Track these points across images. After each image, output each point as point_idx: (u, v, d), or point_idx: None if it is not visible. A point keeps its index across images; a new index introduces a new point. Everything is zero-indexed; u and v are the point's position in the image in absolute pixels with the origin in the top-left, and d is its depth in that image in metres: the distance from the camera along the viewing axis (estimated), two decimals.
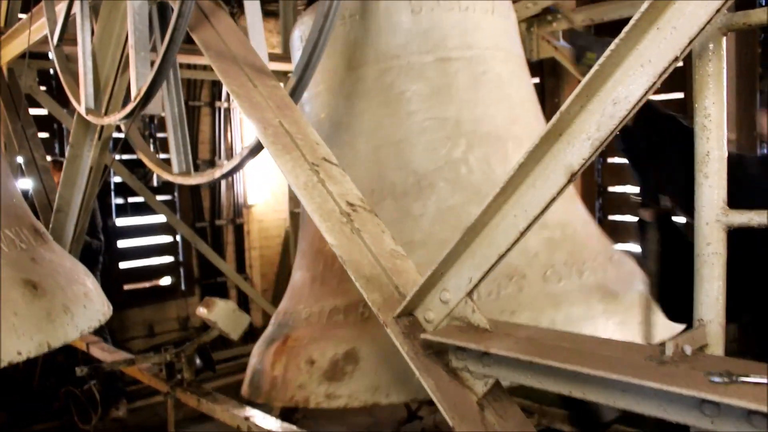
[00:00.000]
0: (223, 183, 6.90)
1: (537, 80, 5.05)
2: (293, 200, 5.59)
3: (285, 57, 4.43)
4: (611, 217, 4.85)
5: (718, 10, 1.16)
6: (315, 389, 2.37)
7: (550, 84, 4.89)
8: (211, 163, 6.74)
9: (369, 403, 2.24)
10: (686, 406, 1.23)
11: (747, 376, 1.19)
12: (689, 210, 1.53)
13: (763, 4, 3.91)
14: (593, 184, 4.86)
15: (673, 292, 1.73)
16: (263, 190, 7.06)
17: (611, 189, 4.85)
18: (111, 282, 5.89)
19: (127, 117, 2.84)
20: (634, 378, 1.23)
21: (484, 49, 2.66)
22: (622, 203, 4.82)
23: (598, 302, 2.33)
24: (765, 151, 4.05)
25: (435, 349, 1.65)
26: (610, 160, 4.86)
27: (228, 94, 6.43)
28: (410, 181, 2.51)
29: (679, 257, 1.76)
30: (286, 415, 3.99)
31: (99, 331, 4.82)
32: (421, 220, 2.46)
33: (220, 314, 3.06)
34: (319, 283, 2.71)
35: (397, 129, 2.57)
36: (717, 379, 1.19)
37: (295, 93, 2.40)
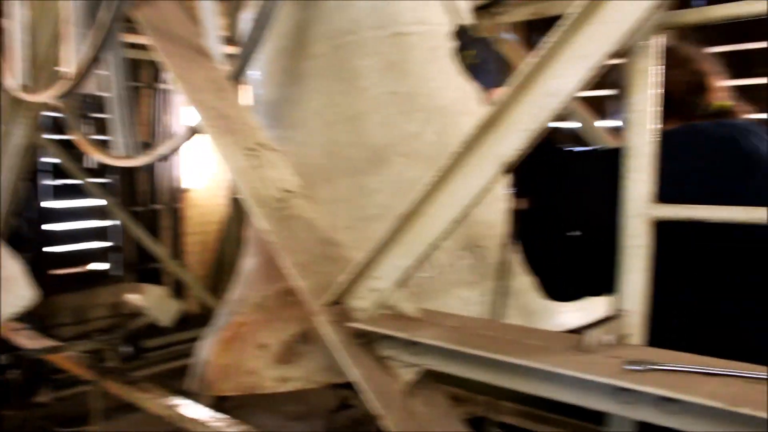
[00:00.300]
0: (161, 167, 6.75)
1: None
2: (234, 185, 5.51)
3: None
4: None
5: (654, 7, 1.19)
6: (266, 374, 2.32)
7: None
8: (149, 146, 6.56)
9: (322, 383, 2.22)
10: (604, 393, 1.27)
11: (660, 364, 1.23)
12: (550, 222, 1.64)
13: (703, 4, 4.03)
14: None
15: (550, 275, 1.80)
16: (203, 174, 6.94)
17: None
18: (39, 267, 5.71)
19: (63, 95, 2.76)
20: (554, 366, 1.26)
21: (437, 25, 2.64)
22: None
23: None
24: None
25: (364, 337, 1.66)
26: None
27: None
28: (365, 157, 2.50)
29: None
30: (218, 404, 3.93)
31: (27, 317, 4.68)
32: (377, 195, 2.45)
33: (150, 300, 3.01)
34: (271, 266, 2.65)
35: (350, 105, 2.53)
36: (633, 367, 1.23)
37: (239, 76, 2.36)
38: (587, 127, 3.85)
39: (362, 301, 1.67)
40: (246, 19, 2.80)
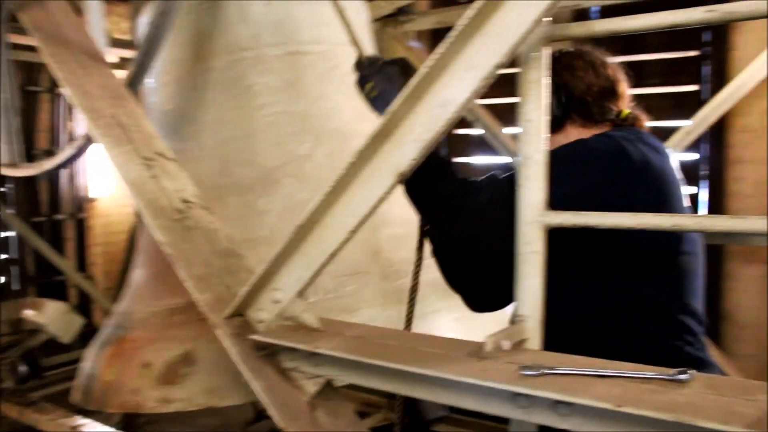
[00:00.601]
0: (64, 175, 6.47)
1: None
2: None
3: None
4: None
5: (538, 22, 1.22)
6: (149, 394, 2.26)
7: None
8: (49, 153, 6.30)
9: (204, 406, 2.17)
10: (502, 399, 1.28)
11: (555, 368, 1.26)
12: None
13: (600, 16, 4.18)
14: None
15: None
16: (109, 183, 6.70)
17: None
18: None
19: None
20: (453, 374, 1.27)
21: (335, 45, 2.63)
22: None
23: (437, 299, 2.38)
24: None
25: (266, 350, 1.63)
26: (456, 159, 5.01)
27: None
28: (256, 177, 2.46)
29: None
30: (129, 420, 3.81)
31: None
32: (266, 216, 2.42)
33: (50, 316, 2.88)
34: (160, 281, 2.59)
35: (244, 123, 2.50)
36: (528, 372, 1.25)
37: (134, 82, 2.29)
38: (493, 135, 3.93)
39: (263, 312, 1.64)
40: (143, 23, 2.72)
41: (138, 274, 2.80)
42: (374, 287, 2.37)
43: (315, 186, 2.40)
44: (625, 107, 1.86)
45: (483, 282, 1.58)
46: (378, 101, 1.89)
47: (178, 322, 2.37)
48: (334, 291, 2.31)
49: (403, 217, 2.53)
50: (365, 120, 2.64)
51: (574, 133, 1.83)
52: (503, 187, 1.57)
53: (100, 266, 6.76)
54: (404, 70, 1.85)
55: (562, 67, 1.79)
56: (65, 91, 2.19)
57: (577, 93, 1.79)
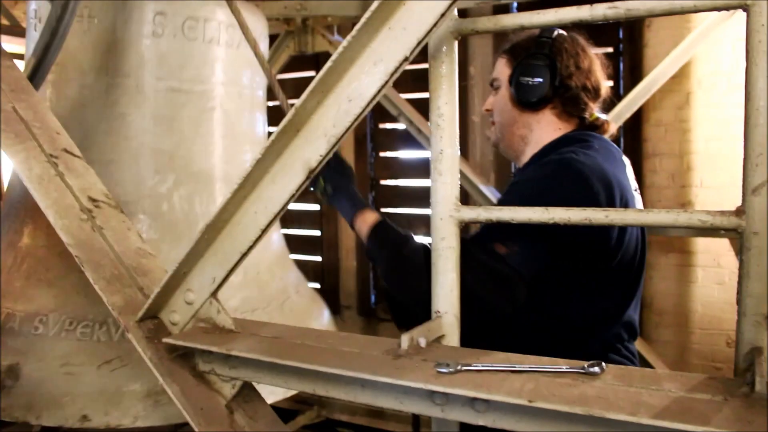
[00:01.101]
0: None
1: (312, 73, 5.06)
2: None
3: None
4: (384, 209, 5.01)
5: (442, 15, 1.20)
6: None
7: None
8: None
9: (21, 420, 2.16)
10: (419, 397, 1.27)
11: (471, 364, 1.25)
12: None
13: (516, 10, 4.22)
14: (366, 177, 4.98)
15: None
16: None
17: (384, 182, 5.00)
18: None
19: None
20: (367, 373, 1.25)
21: (219, 84, 2.61)
22: (394, 196, 4.99)
23: None
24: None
25: (181, 352, 1.57)
26: (382, 154, 5.00)
27: None
28: None
29: None
30: None
31: None
32: None
33: None
34: (7, 279, 2.51)
35: (110, 149, 2.43)
36: (444, 369, 1.24)
37: (35, 76, 2.17)
38: (417, 129, 3.94)
39: (177, 314, 1.59)
40: (30, 10, 2.60)
41: None
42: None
43: (166, 227, 2.43)
44: (595, 111, 1.84)
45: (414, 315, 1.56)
46: (337, 196, 1.89)
47: (14, 331, 2.32)
48: None
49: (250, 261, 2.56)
50: (232, 163, 2.68)
51: (546, 121, 1.81)
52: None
53: None
54: (337, 156, 1.92)
55: (557, 49, 1.76)
56: None
57: (565, 80, 1.76)
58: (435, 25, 1.22)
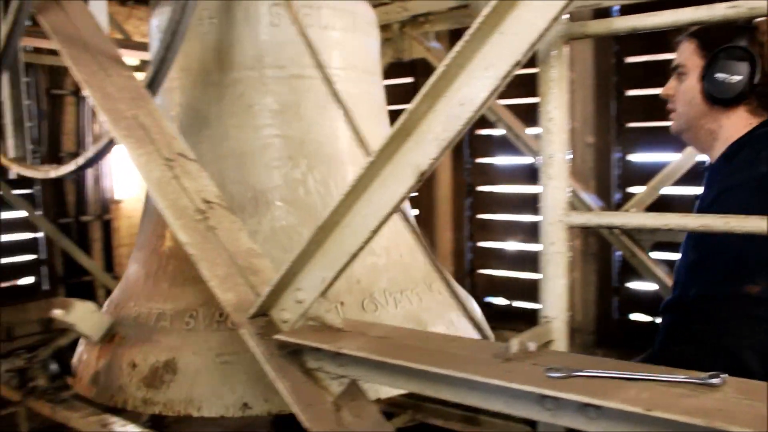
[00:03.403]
0: (90, 176, 6.54)
1: (410, 80, 5.10)
2: None
3: None
4: (480, 216, 4.98)
5: (555, 19, 1.20)
6: (134, 393, 2.36)
7: (423, 84, 4.91)
8: (75, 156, 6.35)
9: (182, 413, 2.25)
10: (528, 401, 1.27)
11: (582, 370, 1.24)
12: None
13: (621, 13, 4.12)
14: (463, 184, 4.97)
15: None
16: (132, 185, 6.76)
17: (480, 188, 4.97)
18: None
19: None
20: (478, 375, 1.25)
21: (338, 69, 2.65)
22: (491, 202, 4.96)
23: None
24: (619, 154, 4.28)
25: (290, 349, 1.62)
26: (479, 160, 4.98)
27: None
28: (248, 197, 2.49)
29: None
30: (156, 421, 3.84)
31: None
32: (254, 236, 2.45)
33: (78, 315, 2.89)
34: (152, 282, 2.65)
35: (241, 141, 2.52)
36: (555, 374, 1.23)
37: (153, 85, 2.30)
38: (515, 135, 3.90)
39: (287, 313, 1.64)
40: (154, 25, 2.74)
41: (133, 270, 2.84)
42: (350, 317, 2.40)
43: (304, 211, 2.47)
44: None
45: None
46: None
47: (165, 328, 2.44)
48: None
49: (386, 245, 2.53)
50: (361, 147, 2.70)
51: (738, 116, 1.74)
52: None
53: (126, 267, 6.81)
54: None
55: (757, 40, 1.66)
56: (86, 93, 2.20)
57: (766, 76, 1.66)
58: (547, 29, 1.22)
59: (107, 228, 6.73)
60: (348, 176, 2.59)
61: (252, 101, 2.51)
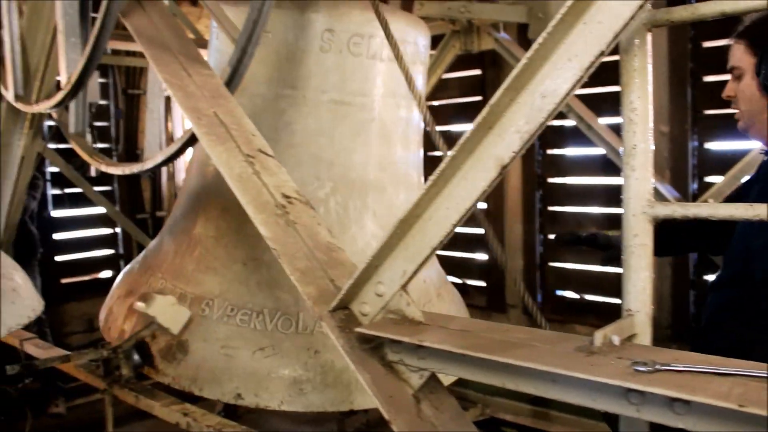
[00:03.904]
0: (164, 173, 6.74)
1: (478, 72, 5.06)
2: None
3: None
4: (551, 208, 4.91)
5: (640, 6, 1.18)
6: (153, 361, 2.66)
7: (491, 75, 4.90)
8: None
9: (186, 389, 2.53)
10: (613, 395, 1.26)
11: (670, 364, 1.22)
12: None
13: (692, 0, 4.00)
14: (533, 176, 4.91)
15: None
16: None
17: (551, 180, 4.91)
18: (48, 275, 5.73)
19: (57, 105, 2.76)
20: (562, 368, 1.25)
21: (378, 97, 2.75)
22: (562, 194, 4.89)
23: None
24: (696, 143, 4.16)
25: (371, 342, 1.65)
26: (549, 151, 4.91)
27: None
28: None
29: None
30: (230, 410, 3.94)
31: (38, 327, 4.69)
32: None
33: (158, 308, 3.00)
34: (179, 261, 2.80)
35: (277, 156, 2.58)
36: (641, 368, 1.22)
37: (231, 83, 2.35)
38: (587, 126, 3.83)
39: (367, 306, 1.66)
40: (213, 24, 2.82)
41: (166, 239, 3.01)
42: None
43: None
44: None
45: None
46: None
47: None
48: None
49: None
50: (386, 171, 2.82)
51: None
52: None
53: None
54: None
55: None
56: (169, 92, 2.28)
57: None
58: (632, 17, 1.20)
59: None
60: (368, 200, 2.74)
61: (292, 119, 2.64)
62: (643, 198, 1.38)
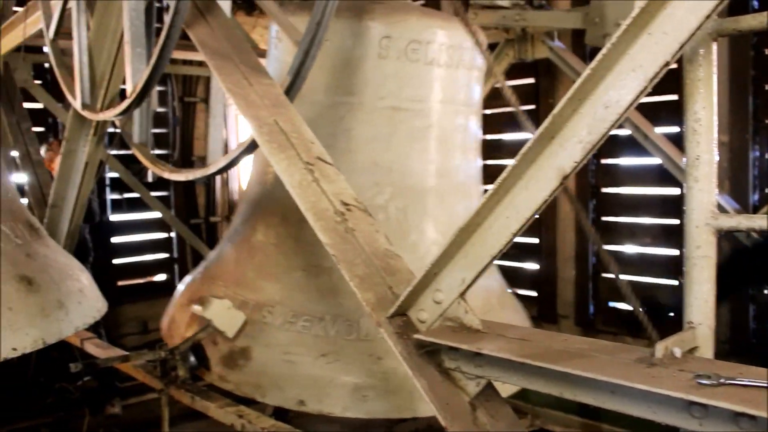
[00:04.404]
0: (218, 179, 6.87)
1: (532, 80, 5.04)
2: None
3: None
4: (604, 218, 4.85)
5: (707, 16, 1.17)
6: (213, 367, 2.70)
7: (545, 84, 4.87)
8: (205, 160, 6.70)
9: (248, 396, 2.56)
10: (675, 407, 1.25)
11: (735, 378, 1.21)
12: None
13: (756, 8, 3.92)
14: (587, 185, 4.86)
15: None
16: None
17: (605, 190, 4.85)
18: (105, 278, 5.88)
19: (123, 113, 2.84)
20: (623, 380, 1.25)
21: (436, 103, 2.76)
22: (616, 204, 4.82)
23: None
24: (757, 153, 4.06)
25: (428, 349, 1.66)
26: (603, 161, 4.85)
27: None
28: None
29: None
30: (279, 413, 3.99)
31: (94, 327, 4.83)
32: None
33: (214, 312, 3.06)
34: (240, 269, 2.86)
35: (335, 162, 2.60)
36: (705, 381, 1.21)
37: (290, 92, 2.40)
38: (642, 135, 3.78)
39: (425, 313, 1.68)
40: (272, 33, 2.87)
41: (228, 247, 3.05)
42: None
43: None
44: None
45: None
46: None
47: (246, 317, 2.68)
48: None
49: None
50: (444, 177, 2.83)
51: None
52: None
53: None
54: None
55: None
56: (231, 100, 2.34)
57: None
58: (698, 27, 1.20)
59: None
60: (427, 206, 2.75)
61: (350, 126, 2.67)
62: (706, 209, 1.37)
